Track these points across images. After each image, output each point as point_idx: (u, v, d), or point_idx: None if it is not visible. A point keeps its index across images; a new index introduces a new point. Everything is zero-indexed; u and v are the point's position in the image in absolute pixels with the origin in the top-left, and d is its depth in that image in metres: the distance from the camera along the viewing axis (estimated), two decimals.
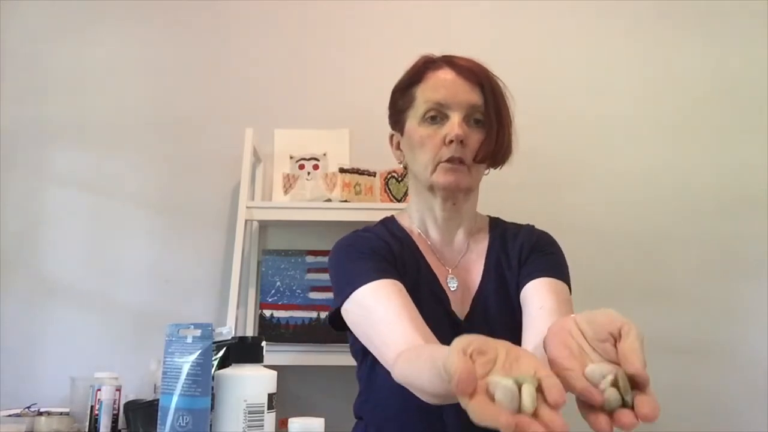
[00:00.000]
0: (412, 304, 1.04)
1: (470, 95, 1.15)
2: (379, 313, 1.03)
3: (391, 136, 1.27)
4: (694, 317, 1.89)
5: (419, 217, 1.24)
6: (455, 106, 1.15)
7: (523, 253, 1.19)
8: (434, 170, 1.15)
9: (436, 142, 1.15)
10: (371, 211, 1.69)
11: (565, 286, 1.14)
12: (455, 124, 1.13)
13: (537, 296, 1.10)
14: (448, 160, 1.14)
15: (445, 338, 1.01)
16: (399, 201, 1.80)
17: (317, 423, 0.90)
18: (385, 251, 1.14)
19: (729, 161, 1.98)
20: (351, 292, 1.08)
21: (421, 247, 1.21)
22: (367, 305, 1.06)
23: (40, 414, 1.59)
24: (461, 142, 1.13)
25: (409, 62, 1.24)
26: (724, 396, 1.86)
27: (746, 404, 1.85)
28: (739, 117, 2.01)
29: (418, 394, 0.87)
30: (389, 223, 1.26)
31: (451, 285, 1.18)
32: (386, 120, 1.28)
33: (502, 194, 1.68)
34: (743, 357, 1.88)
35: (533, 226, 1.27)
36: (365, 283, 1.06)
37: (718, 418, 1.84)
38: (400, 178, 1.81)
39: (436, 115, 1.16)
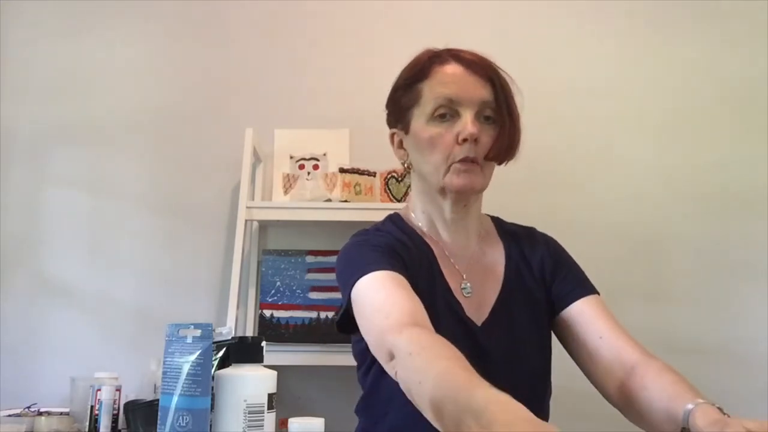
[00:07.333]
0: (417, 297, 0.98)
1: (481, 91, 1.10)
2: (381, 295, 0.98)
3: (392, 135, 1.20)
4: (694, 317, 1.89)
5: (426, 218, 1.19)
6: (467, 103, 1.09)
7: (546, 267, 1.17)
8: (447, 171, 1.10)
9: (447, 141, 1.09)
10: (371, 211, 1.69)
11: (599, 297, 1.14)
12: (468, 122, 1.08)
13: (590, 324, 1.10)
14: (461, 161, 1.09)
15: (459, 344, 0.91)
16: (399, 201, 1.79)
17: (317, 423, 0.90)
18: (400, 248, 1.09)
19: (729, 161, 1.98)
20: (358, 279, 1.01)
21: (435, 251, 1.16)
22: (374, 288, 1.00)
23: (40, 414, 1.59)
24: (475, 140, 1.08)
25: (409, 61, 1.21)
26: (724, 396, 1.83)
27: (746, 404, 1.85)
28: (739, 117, 2.01)
29: (413, 393, 0.83)
30: (398, 221, 1.20)
31: (465, 291, 1.14)
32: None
33: (501, 194, 1.68)
34: (743, 357, 1.88)
35: (535, 229, 1.26)
36: (375, 270, 1.01)
37: None
38: (400, 178, 1.81)
39: (446, 113, 1.10)
